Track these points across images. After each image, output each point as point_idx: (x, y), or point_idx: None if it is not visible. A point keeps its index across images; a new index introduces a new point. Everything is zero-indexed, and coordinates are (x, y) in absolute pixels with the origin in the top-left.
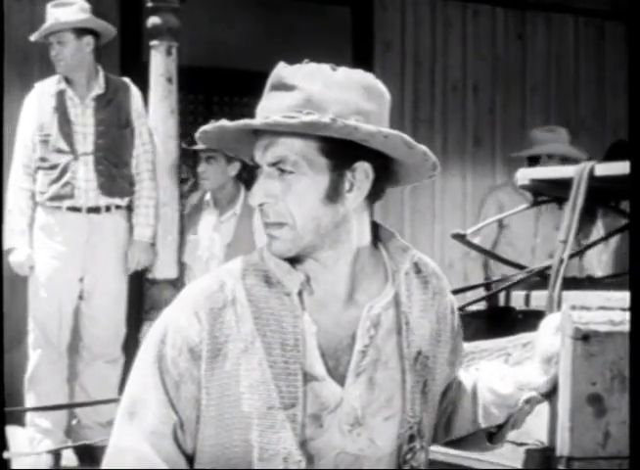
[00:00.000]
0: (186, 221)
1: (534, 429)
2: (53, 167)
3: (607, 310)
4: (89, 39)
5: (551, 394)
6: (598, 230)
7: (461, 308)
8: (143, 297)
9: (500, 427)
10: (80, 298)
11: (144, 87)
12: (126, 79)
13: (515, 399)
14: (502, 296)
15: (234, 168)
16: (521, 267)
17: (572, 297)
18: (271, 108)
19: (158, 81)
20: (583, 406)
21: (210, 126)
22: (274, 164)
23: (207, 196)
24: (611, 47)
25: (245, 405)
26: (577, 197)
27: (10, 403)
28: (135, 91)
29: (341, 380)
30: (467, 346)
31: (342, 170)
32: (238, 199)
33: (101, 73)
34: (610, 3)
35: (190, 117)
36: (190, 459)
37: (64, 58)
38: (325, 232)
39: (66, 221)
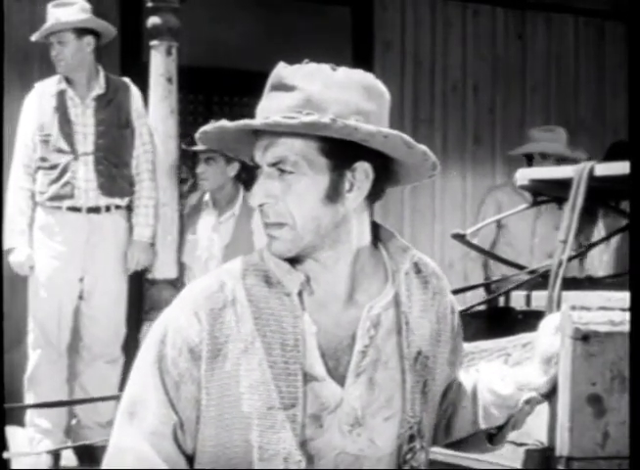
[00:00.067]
0: (185, 221)
1: (534, 429)
2: (53, 167)
3: (607, 311)
4: (90, 39)
5: (551, 394)
6: (599, 231)
7: (464, 311)
8: (143, 297)
9: (500, 428)
10: (80, 298)
11: (144, 87)
12: (126, 79)
13: (515, 399)
14: (502, 296)
15: (233, 169)
16: (520, 267)
17: (572, 297)
18: (271, 108)
19: (158, 81)
20: (583, 407)
21: (210, 127)
22: (274, 165)
23: (207, 196)
24: (611, 47)
25: (245, 406)
26: (577, 197)
27: (10, 403)
28: (135, 91)
29: (341, 380)
30: (467, 346)
31: (342, 170)
32: (237, 199)
33: (101, 73)
34: (610, 3)
35: (190, 117)
36: (190, 459)
37: (64, 58)
38: (325, 232)
39: (66, 221)
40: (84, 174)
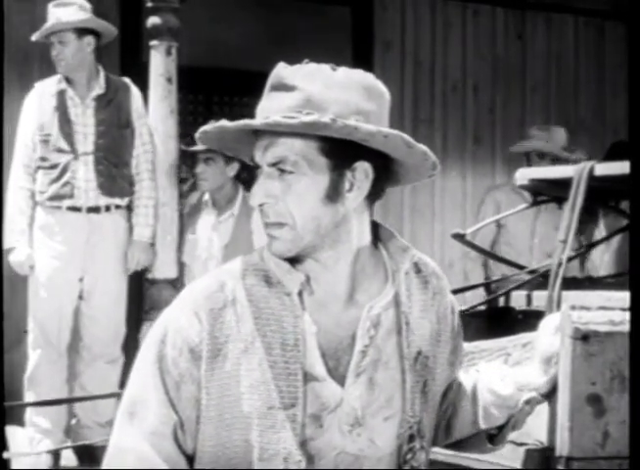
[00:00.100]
0: (185, 221)
1: (534, 429)
2: (53, 167)
3: (607, 310)
4: (90, 39)
5: (551, 394)
6: (600, 231)
7: (464, 311)
8: (143, 297)
9: (501, 428)
10: (80, 298)
11: (144, 87)
12: (127, 79)
13: (515, 399)
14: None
15: (232, 169)
16: (520, 267)
17: (572, 297)
18: (271, 108)
19: (157, 81)
20: (583, 406)
21: (210, 127)
22: (274, 165)
23: (206, 196)
24: (611, 47)
25: (245, 405)
26: (577, 197)
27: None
28: (135, 91)
29: (341, 380)
30: (467, 346)
31: (343, 170)
32: (236, 199)
33: (101, 73)
34: (610, 3)
35: (190, 117)
36: (190, 459)
37: (65, 58)
38: (325, 232)
39: (65, 221)
40: (84, 174)
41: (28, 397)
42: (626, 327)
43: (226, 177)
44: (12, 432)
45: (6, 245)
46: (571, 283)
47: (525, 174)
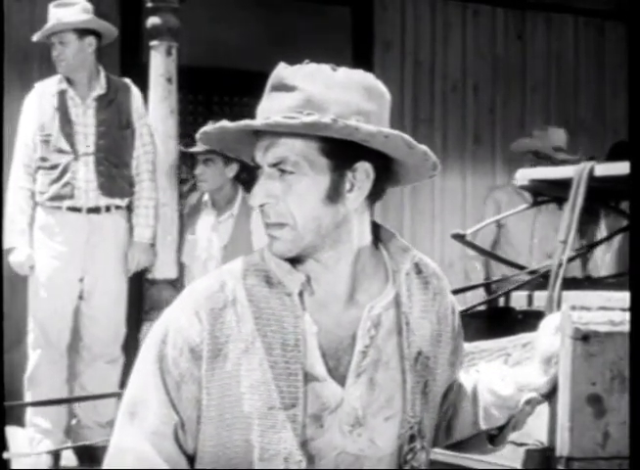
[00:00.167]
0: (185, 221)
1: (534, 429)
2: (53, 167)
3: (607, 311)
4: (91, 40)
5: (551, 394)
6: (601, 231)
7: (464, 311)
8: (143, 297)
9: (501, 428)
10: (80, 298)
11: (144, 87)
12: (127, 80)
13: (515, 400)
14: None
15: (232, 170)
16: (521, 268)
17: (573, 297)
18: (272, 108)
19: (157, 81)
20: (583, 407)
21: (211, 127)
22: (275, 165)
23: (206, 197)
24: (611, 47)
25: (245, 406)
26: (577, 197)
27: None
28: (136, 92)
29: (341, 380)
30: (467, 346)
31: (343, 171)
32: (235, 200)
33: (102, 74)
34: (610, 3)
35: (190, 117)
36: (191, 459)
37: (65, 58)
38: (326, 232)
39: (66, 221)
40: (84, 175)
41: (28, 397)
42: (626, 327)
43: (225, 178)
44: (12, 432)
45: (6, 245)
46: (571, 283)
47: (525, 175)
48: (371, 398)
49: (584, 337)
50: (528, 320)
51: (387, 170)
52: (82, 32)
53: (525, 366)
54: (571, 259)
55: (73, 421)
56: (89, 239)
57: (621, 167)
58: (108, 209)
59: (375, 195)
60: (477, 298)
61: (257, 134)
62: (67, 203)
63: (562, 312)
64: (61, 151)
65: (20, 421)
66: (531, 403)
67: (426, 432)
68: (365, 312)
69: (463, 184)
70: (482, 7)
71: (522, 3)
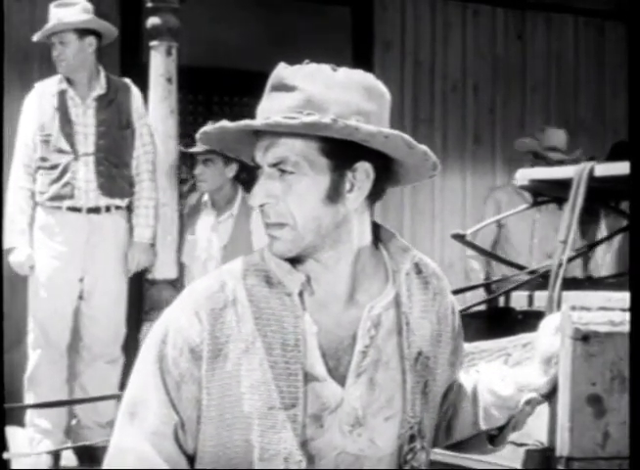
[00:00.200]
0: (185, 221)
1: (534, 429)
2: (53, 167)
3: (607, 311)
4: (91, 40)
5: (551, 394)
6: (601, 231)
7: (464, 311)
8: (143, 297)
9: (501, 429)
10: (80, 298)
11: (144, 87)
12: (127, 80)
13: (515, 400)
14: (502, 296)
15: (231, 170)
16: (521, 268)
17: (573, 297)
18: (272, 108)
19: (157, 81)
20: (583, 407)
21: (211, 127)
22: (275, 165)
23: (205, 197)
24: (611, 47)
25: (245, 406)
26: (577, 197)
27: (10, 404)
28: (136, 92)
29: (341, 380)
30: (467, 346)
31: (343, 171)
32: (235, 200)
33: (102, 74)
34: (610, 3)
35: (190, 117)
36: (191, 459)
37: (66, 58)
38: (326, 232)
39: (66, 221)
40: (84, 175)
41: (28, 397)
42: (626, 327)
43: (225, 178)
44: (12, 432)
45: (6, 245)
46: (571, 283)
47: (525, 175)
48: (371, 398)
49: (584, 337)
50: (528, 320)
51: (387, 170)
52: (82, 32)
53: (525, 366)
54: (571, 259)
55: (73, 421)
56: (89, 239)
57: (621, 167)
58: (108, 209)
59: (375, 195)
60: (477, 298)
61: (257, 134)
62: (67, 203)
63: (562, 313)
64: (61, 151)
65: (20, 421)
66: (531, 404)
67: (426, 432)
68: (365, 312)
69: (463, 184)
70: (482, 7)
71: (522, 3)
